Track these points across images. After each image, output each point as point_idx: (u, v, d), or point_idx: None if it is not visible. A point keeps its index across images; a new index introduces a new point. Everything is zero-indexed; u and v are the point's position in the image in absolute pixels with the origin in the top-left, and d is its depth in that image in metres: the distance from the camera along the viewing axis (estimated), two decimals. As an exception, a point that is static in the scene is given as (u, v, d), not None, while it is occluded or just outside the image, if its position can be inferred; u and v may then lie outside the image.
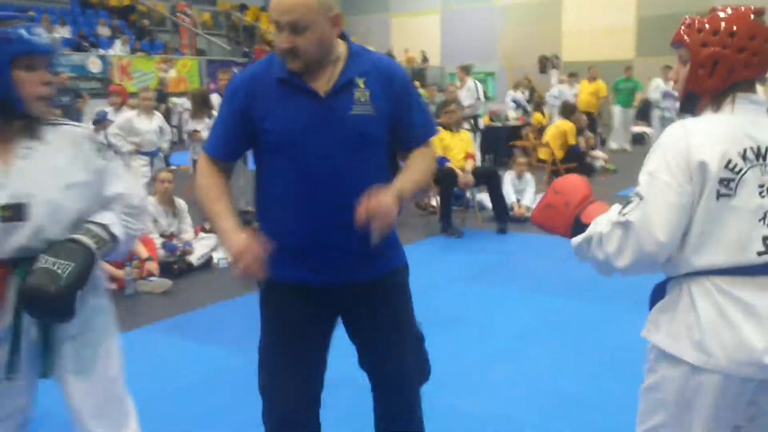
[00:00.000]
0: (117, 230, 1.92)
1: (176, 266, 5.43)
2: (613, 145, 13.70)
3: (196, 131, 6.77)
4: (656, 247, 1.61)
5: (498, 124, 12.69)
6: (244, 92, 1.96)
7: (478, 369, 3.65)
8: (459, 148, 7.04)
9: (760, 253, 1.61)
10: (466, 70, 11.28)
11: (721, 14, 1.73)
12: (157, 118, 6.87)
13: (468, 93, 10.61)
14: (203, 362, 3.78)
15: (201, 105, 7.00)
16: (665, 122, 13.23)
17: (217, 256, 5.85)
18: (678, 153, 1.63)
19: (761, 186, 1.64)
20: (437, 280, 5.21)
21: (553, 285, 5.00)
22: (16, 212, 1.81)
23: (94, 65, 16.27)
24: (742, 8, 1.74)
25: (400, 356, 2.17)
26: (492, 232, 6.83)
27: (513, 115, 14.79)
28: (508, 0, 22.22)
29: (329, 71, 1.94)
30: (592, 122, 12.43)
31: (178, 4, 19.93)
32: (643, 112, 14.38)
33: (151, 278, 5.13)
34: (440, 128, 7.29)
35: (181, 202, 5.85)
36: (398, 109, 2.00)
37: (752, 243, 1.61)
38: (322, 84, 1.94)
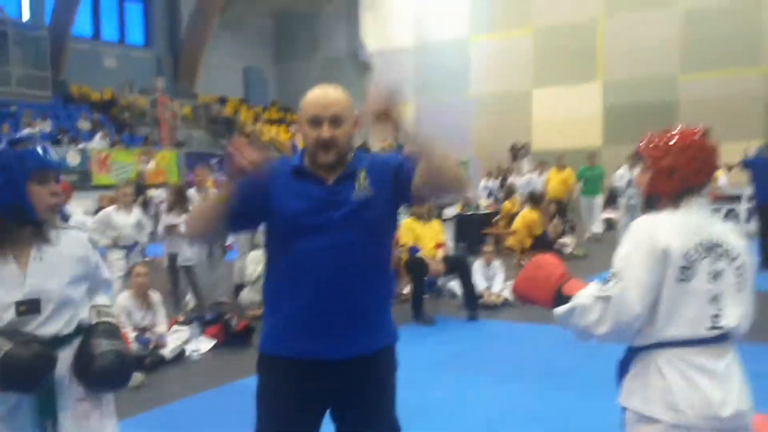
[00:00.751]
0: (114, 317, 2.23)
1: (148, 359, 5.45)
2: (586, 233, 13.91)
3: (174, 226, 6.92)
4: (632, 317, 1.94)
5: (470, 212, 12.98)
6: (271, 172, 2.15)
7: None
8: (430, 237, 7.25)
9: (708, 329, 1.97)
10: None
11: (675, 133, 2.11)
12: (136, 213, 7.02)
13: None
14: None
15: (178, 199, 7.18)
16: (631, 209, 13.58)
17: (190, 348, 5.90)
18: (647, 241, 1.96)
19: (710, 273, 1.96)
20: (408, 367, 5.21)
21: (523, 372, 5.10)
22: (30, 307, 2.08)
23: (74, 159, 16.49)
24: (691, 129, 2.12)
25: None
26: (463, 320, 6.96)
27: (485, 203, 15.18)
28: (480, 91, 22.99)
29: (339, 168, 2.19)
30: (562, 209, 12.75)
31: (159, 98, 20.44)
32: (612, 199, 14.81)
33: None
34: (411, 218, 7.53)
35: (155, 295, 5.93)
36: (395, 176, 2.22)
37: (704, 320, 1.97)
38: (331, 176, 2.18)
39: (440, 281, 7.61)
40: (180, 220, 6.88)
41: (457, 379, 5.10)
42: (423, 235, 7.23)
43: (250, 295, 7.14)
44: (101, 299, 2.31)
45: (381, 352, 2.27)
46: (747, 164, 10.39)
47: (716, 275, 1.98)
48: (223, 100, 24.60)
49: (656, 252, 1.95)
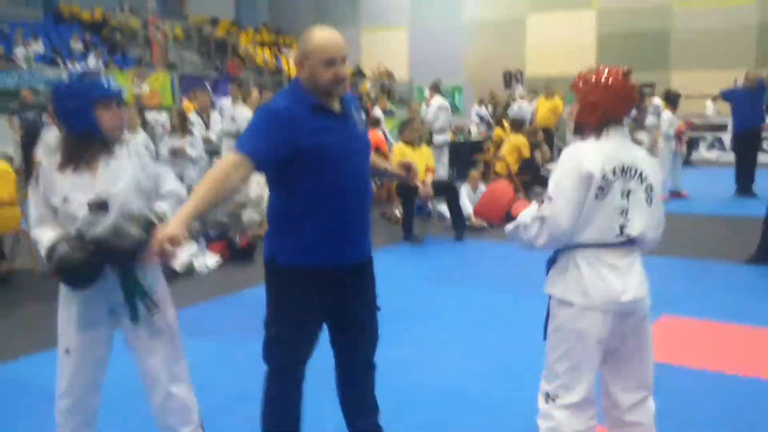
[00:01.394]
0: (170, 216, 2.59)
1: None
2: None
3: (181, 149, 7.25)
4: (562, 232, 2.39)
5: (461, 139, 13.30)
6: (290, 123, 2.43)
7: (435, 352, 4.27)
8: (420, 162, 7.64)
9: (616, 235, 2.41)
10: (436, 88, 11.58)
11: (601, 71, 2.50)
12: (141, 136, 7.36)
13: (441, 111, 10.86)
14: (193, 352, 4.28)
15: (181, 122, 7.50)
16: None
17: (198, 263, 6.35)
18: (575, 168, 2.38)
19: (622, 192, 2.40)
20: (399, 280, 5.81)
21: (501, 285, 5.61)
22: (99, 205, 2.51)
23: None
24: (615, 69, 2.50)
25: (373, 324, 2.79)
26: (450, 240, 7.45)
27: (475, 130, 15.49)
28: (473, 17, 22.88)
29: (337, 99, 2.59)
30: (549, 137, 13.09)
31: (150, 18, 20.28)
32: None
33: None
34: (402, 143, 7.91)
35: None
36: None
37: (614, 228, 2.40)
38: (338, 108, 2.57)
39: (429, 204, 8.05)
40: (183, 142, 7.22)
41: (440, 290, 5.65)
42: (413, 159, 7.59)
43: (251, 215, 7.56)
44: (163, 204, 2.68)
45: (371, 259, 2.75)
46: (725, 96, 10.69)
47: (627, 193, 2.40)
48: (214, 21, 24.38)
49: (581, 176, 2.34)
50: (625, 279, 2.41)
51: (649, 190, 2.45)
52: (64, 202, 2.54)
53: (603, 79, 2.47)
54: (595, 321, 2.39)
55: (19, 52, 16.95)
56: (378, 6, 24.46)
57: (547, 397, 2.50)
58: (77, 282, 2.52)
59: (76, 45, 19.12)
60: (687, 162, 14.61)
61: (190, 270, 6.27)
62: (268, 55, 22.91)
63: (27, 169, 9.46)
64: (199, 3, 24.44)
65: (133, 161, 2.65)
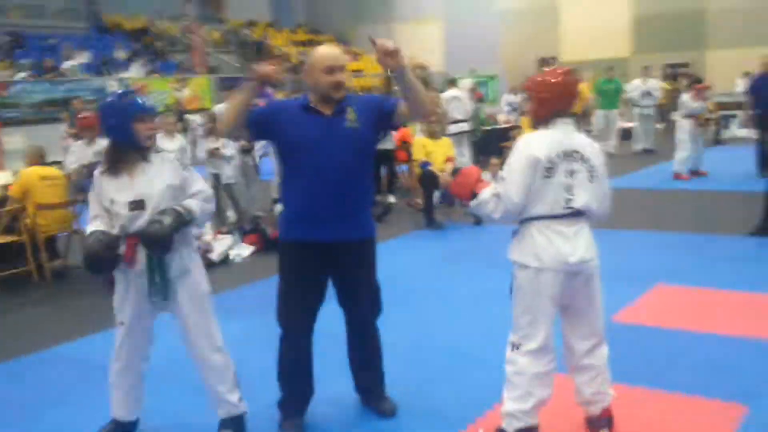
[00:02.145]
0: (195, 209, 3.10)
1: (199, 262, 6.47)
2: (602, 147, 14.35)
3: (216, 149, 7.82)
4: (514, 206, 2.85)
5: (487, 127, 13.62)
6: (278, 112, 3.14)
7: (447, 320, 4.81)
8: (440, 153, 8.06)
9: (563, 208, 2.83)
10: (452, 81, 12.04)
11: (548, 73, 2.98)
12: (178, 139, 7.94)
13: (453, 101, 11.31)
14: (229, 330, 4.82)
15: (216, 124, 8.05)
16: (645, 119, 14.07)
17: (233, 253, 6.91)
18: (525, 153, 2.84)
19: (567, 171, 2.83)
20: (418, 262, 6.30)
21: (507, 264, 5.99)
22: (137, 204, 3.01)
23: (113, 88, 17.39)
24: (560, 70, 2.96)
25: (369, 293, 3.29)
26: (470, 225, 7.86)
27: (503, 119, 15.77)
28: (507, 5, 23.02)
29: (335, 105, 3.09)
30: (576, 122, 13.25)
31: (189, 24, 21.02)
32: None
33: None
34: (423, 136, 8.33)
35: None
36: (376, 112, 3.14)
37: (561, 202, 2.83)
38: (329, 111, 3.07)
39: (449, 191, 8.44)
40: (219, 144, 7.77)
41: (457, 269, 6.12)
42: (434, 151, 8.04)
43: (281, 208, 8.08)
44: (188, 201, 3.12)
45: (361, 241, 3.20)
46: (753, 90, 10.53)
47: (572, 173, 2.82)
48: (251, 24, 25.07)
49: (530, 160, 2.79)
50: (573, 243, 2.83)
51: (591, 170, 2.87)
52: (111, 203, 3.05)
53: (549, 79, 2.92)
54: (548, 280, 2.84)
55: (67, 63, 17.87)
56: (412, 0, 24.78)
57: (513, 345, 2.95)
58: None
59: (120, 54, 20.01)
60: (718, 141, 14.66)
61: (226, 260, 6.84)
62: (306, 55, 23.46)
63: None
64: (236, 7, 25.13)
65: (165, 167, 3.13)
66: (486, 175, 8.77)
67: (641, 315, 4.65)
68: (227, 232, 7.42)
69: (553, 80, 2.90)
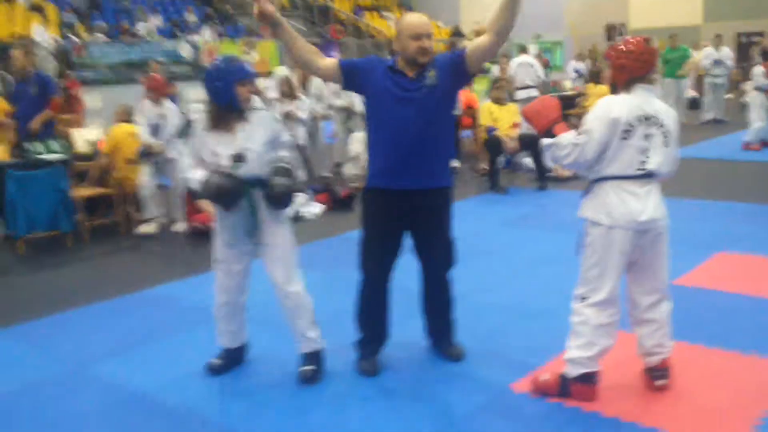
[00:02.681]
0: (293, 161, 3.49)
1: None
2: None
3: (291, 112, 8.14)
4: (585, 160, 3.05)
5: (554, 93, 13.57)
6: (368, 68, 3.38)
7: (511, 279, 5.06)
8: (506, 119, 8.20)
9: (636, 169, 3.00)
10: (522, 48, 12.08)
11: (626, 41, 3.12)
12: (254, 101, 8.26)
13: (521, 68, 11.29)
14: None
15: (288, 88, 8.37)
16: (716, 88, 13.76)
17: (305, 210, 7.26)
18: (605, 114, 3.02)
19: (644, 135, 3.01)
20: (481, 224, 6.52)
21: (568, 227, 6.14)
22: (239, 157, 3.35)
23: (185, 51, 17.85)
24: (638, 38, 3.12)
25: (444, 245, 3.57)
26: (534, 190, 8.02)
27: (570, 86, 15.65)
28: (576, -31, 22.65)
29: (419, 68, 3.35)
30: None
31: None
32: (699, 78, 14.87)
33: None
34: (490, 101, 8.47)
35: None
36: (451, 66, 3.34)
37: (635, 163, 3.02)
38: (412, 73, 3.33)
39: (515, 157, 8.60)
40: (292, 107, 8.09)
41: (519, 232, 6.33)
42: (500, 116, 8.19)
43: (352, 169, 8.39)
44: (282, 152, 3.53)
45: (439, 189, 3.47)
46: None
47: (648, 137, 3.00)
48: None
49: (609, 120, 2.97)
50: (644, 203, 3.02)
51: (666, 134, 3.05)
52: (212, 155, 3.40)
53: (627, 47, 3.09)
54: (619, 236, 3.03)
55: (141, 26, 18.45)
56: (476, -36, 24.48)
57: (580, 297, 3.17)
58: (228, 202, 3.38)
59: (191, 17, 20.50)
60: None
61: (298, 217, 7.18)
62: (370, 19, 23.57)
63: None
64: (302, -29, 25.22)
65: (262, 123, 3.46)
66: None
67: (702, 279, 4.78)
68: (300, 191, 7.76)
69: (632, 48, 3.06)
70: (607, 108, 3.03)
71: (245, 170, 3.37)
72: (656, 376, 3.27)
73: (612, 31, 20.96)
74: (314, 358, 3.61)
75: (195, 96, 11.59)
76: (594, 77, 14.33)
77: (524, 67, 11.31)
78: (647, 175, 3.04)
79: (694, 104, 14.56)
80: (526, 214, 7.02)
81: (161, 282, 5.34)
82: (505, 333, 4.05)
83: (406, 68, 3.33)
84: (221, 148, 3.39)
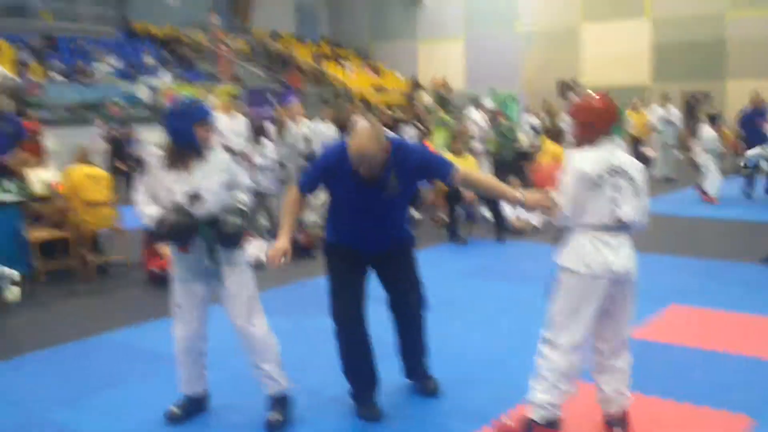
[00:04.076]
0: (249, 203, 3.53)
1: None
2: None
3: (245, 154, 8.17)
4: (563, 217, 3.17)
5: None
6: (333, 169, 3.44)
7: (469, 330, 5.10)
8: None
9: (610, 219, 3.14)
10: (474, 102, 12.65)
11: (588, 98, 3.30)
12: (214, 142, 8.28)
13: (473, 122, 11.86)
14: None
15: (257, 133, 8.46)
16: (666, 147, 14.29)
17: (266, 257, 7.22)
18: (576, 169, 3.16)
19: (613, 186, 3.14)
20: (441, 275, 6.55)
21: (535, 280, 6.26)
22: (195, 196, 3.37)
23: (143, 94, 17.77)
24: (600, 94, 3.28)
25: (413, 287, 3.71)
26: (492, 241, 8.16)
27: (526, 142, 15.96)
28: (529, 27, 23.24)
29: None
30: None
31: (215, 33, 21.34)
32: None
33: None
34: (450, 153, 8.64)
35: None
36: (424, 174, 3.57)
37: (607, 214, 3.14)
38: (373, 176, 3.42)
39: (474, 208, 8.76)
40: (256, 153, 8.12)
41: (478, 284, 6.40)
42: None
43: (312, 217, 8.42)
44: (239, 194, 3.57)
45: (399, 240, 3.65)
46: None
47: (617, 187, 3.14)
48: (275, 35, 25.39)
49: (579, 175, 3.13)
50: (617, 254, 3.15)
51: (634, 185, 3.19)
52: (167, 192, 3.42)
53: (590, 104, 3.26)
54: (596, 285, 3.15)
55: (97, 67, 18.33)
56: (434, 18, 25.07)
57: (546, 341, 3.25)
58: (182, 240, 3.41)
59: (149, 60, 20.45)
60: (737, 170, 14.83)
61: (260, 264, 7.13)
62: (328, 68, 23.85)
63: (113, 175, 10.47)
64: (261, 18, 25.48)
65: (220, 165, 3.51)
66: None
67: (656, 332, 4.91)
68: (260, 237, 7.73)
69: (599, 105, 3.23)
70: (576, 164, 3.17)
71: (201, 209, 3.40)
72: (615, 424, 3.34)
73: (563, 87, 21.56)
74: (281, 403, 3.59)
75: (153, 138, 11.52)
76: (554, 136, 14.64)
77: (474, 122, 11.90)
78: (620, 226, 3.17)
79: (645, 162, 15.04)
80: (486, 265, 7.13)
81: (119, 327, 5.25)
82: (467, 382, 4.08)
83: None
84: (177, 185, 3.41)
